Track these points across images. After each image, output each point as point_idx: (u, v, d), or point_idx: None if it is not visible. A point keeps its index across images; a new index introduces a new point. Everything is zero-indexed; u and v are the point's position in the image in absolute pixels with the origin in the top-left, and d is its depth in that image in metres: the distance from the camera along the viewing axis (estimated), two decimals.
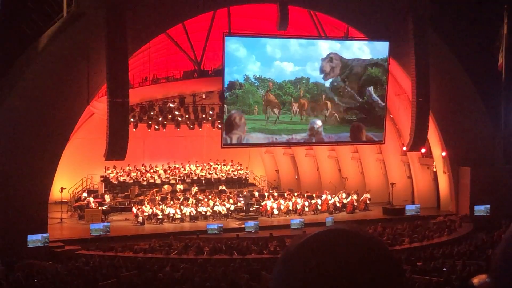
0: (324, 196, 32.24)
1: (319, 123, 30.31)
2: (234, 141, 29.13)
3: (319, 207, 31.64)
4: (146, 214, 28.65)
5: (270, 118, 29.25)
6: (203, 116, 32.79)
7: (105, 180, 33.62)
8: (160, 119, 32.28)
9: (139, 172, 34.63)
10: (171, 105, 31.93)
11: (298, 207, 31.08)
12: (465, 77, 31.59)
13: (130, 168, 34.36)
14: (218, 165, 37.00)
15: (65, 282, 17.14)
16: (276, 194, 33.07)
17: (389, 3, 29.97)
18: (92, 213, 28.37)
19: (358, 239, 1.40)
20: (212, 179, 35.81)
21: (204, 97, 32.32)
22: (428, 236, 25.98)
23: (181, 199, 30.52)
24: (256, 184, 38.46)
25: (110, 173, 33.77)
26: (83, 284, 16.92)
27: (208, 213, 29.55)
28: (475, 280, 1.48)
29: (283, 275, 1.39)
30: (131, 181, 33.84)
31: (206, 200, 30.40)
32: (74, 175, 32.66)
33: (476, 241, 24.34)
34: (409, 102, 30.90)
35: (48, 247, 23.85)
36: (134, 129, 30.67)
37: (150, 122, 32.40)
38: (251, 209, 30.57)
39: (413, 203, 33.05)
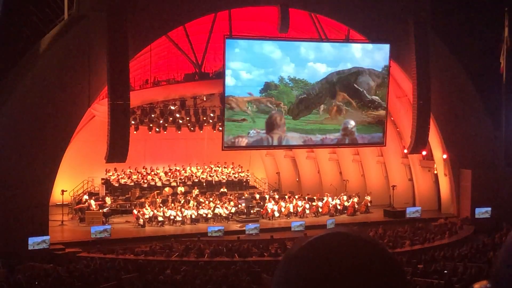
0: (325, 199, 32.23)
1: (352, 123, 30.58)
2: (275, 141, 29.77)
3: (320, 210, 31.63)
4: (147, 216, 28.66)
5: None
6: (204, 118, 32.79)
7: (106, 182, 33.63)
8: (161, 121, 32.28)
9: (140, 175, 34.63)
10: (172, 107, 31.94)
11: (299, 209, 31.08)
12: (466, 80, 31.61)
13: (131, 170, 34.36)
14: (219, 167, 37.00)
15: (66, 284, 17.14)
16: (277, 196, 33.08)
17: (390, 5, 30.01)
18: (93, 216, 28.37)
19: (359, 242, 1.39)
20: (213, 182, 35.81)
21: (205, 99, 32.33)
22: (429, 238, 25.97)
23: (182, 202, 30.52)
24: (257, 187, 38.45)
25: (111, 175, 33.77)
26: (84, 287, 16.93)
27: (209, 216, 29.54)
28: (476, 286, 1.47)
29: (284, 278, 1.39)
30: (132, 184, 33.84)
31: (207, 202, 30.40)
32: (75, 178, 32.67)
33: (477, 243, 24.33)
34: (410, 104, 30.91)
35: (49, 249, 23.85)
36: (135, 132, 30.68)
37: (151, 125, 32.40)
38: (252, 211, 30.58)
39: (414, 205, 33.03)
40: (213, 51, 30.09)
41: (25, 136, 24.54)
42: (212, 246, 23.68)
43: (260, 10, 29.71)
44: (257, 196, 32.72)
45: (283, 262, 1.42)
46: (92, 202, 29.55)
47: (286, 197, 32.85)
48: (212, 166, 36.94)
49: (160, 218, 28.66)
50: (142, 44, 26.83)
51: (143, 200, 30.98)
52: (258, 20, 31.26)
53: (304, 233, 26.84)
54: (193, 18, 27.65)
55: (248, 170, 38.25)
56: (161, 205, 29.89)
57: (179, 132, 33.27)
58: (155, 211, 28.87)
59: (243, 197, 31.57)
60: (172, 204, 30.02)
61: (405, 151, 32.71)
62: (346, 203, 32.20)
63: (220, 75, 29.04)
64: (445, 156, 31.81)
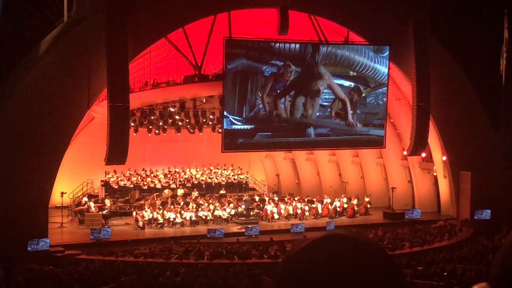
0: (324, 201, 32.22)
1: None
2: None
3: (320, 212, 31.61)
4: (147, 218, 28.64)
5: None
6: (204, 120, 32.76)
7: (106, 184, 33.61)
8: (161, 123, 32.26)
9: (139, 177, 34.62)
10: (172, 109, 31.92)
11: (299, 211, 31.06)
12: (465, 82, 31.62)
13: (131, 172, 34.35)
14: (218, 169, 36.98)
15: (66, 286, 17.14)
16: (276, 198, 33.06)
17: (390, 7, 30.03)
18: (93, 218, 28.34)
19: (358, 244, 1.40)
20: (213, 184, 35.79)
21: (204, 101, 32.30)
22: (429, 240, 25.96)
23: (182, 204, 30.51)
24: (257, 189, 38.43)
25: (110, 177, 33.76)
26: None
27: (209, 218, 29.52)
28: None
29: (284, 280, 1.39)
30: (132, 186, 33.82)
31: (206, 204, 30.38)
32: (74, 180, 32.64)
33: (477, 245, 24.33)
34: (410, 106, 30.92)
35: (48, 251, 23.83)
36: (134, 134, 30.66)
37: (150, 127, 32.38)
38: (251, 213, 30.55)
39: (413, 207, 33.03)
40: (212, 53, 30.08)
41: (25, 138, 24.53)
42: (211, 248, 23.67)
43: (260, 12, 29.70)
44: (257, 198, 32.71)
45: (282, 264, 1.43)
46: (92, 204, 29.54)
47: (286, 199, 32.84)
48: (212, 168, 36.93)
49: (159, 220, 28.64)
50: (141, 46, 26.83)
51: (142, 202, 30.95)
52: (258, 22, 31.26)
53: (304, 235, 26.81)
54: (193, 20, 27.66)
55: (247, 172, 38.23)
56: (160, 207, 29.88)
57: (179, 134, 33.25)
58: (155, 213, 28.85)
59: (243, 199, 31.57)
60: (172, 206, 30.01)
61: (405, 153, 32.71)
62: (345, 205, 32.19)
63: (219, 77, 29.03)
64: (444, 158, 31.82)
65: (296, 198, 32.74)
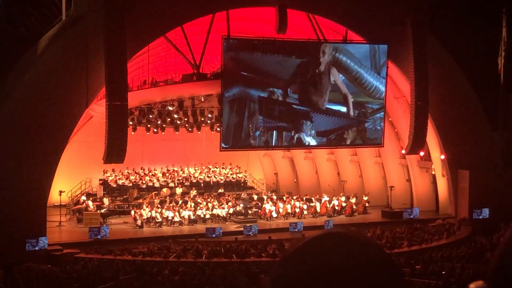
0: (323, 199, 32.23)
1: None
2: None
3: (318, 210, 31.63)
4: (145, 217, 28.63)
5: None
6: (202, 119, 32.72)
7: (104, 183, 33.57)
8: (159, 122, 32.22)
9: (138, 176, 34.59)
10: (170, 108, 31.89)
11: (297, 210, 31.07)
12: (464, 80, 31.63)
13: (129, 171, 34.32)
14: (217, 168, 36.97)
15: (64, 285, 17.13)
16: (275, 197, 33.05)
17: (388, 6, 30.02)
18: (91, 217, 28.32)
19: (356, 243, 1.40)
20: (211, 182, 35.78)
21: (203, 100, 32.27)
22: (427, 239, 25.99)
23: (180, 202, 30.49)
24: (255, 187, 38.42)
25: (108, 176, 33.72)
26: None
27: (207, 216, 29.52)
28: (472, 286, 1.48)
29: (281, 278, 1.40)
30: (130, 184, 33.78)
31: (205, 203, 30.37)
32: (73, 178, 32.61)
33: (475, 244, 24.35)
34: (408, 105, 30.92)
35: (46, 250, 23.82)
36: (133, 132, 30.63)
37: (149, 125, 32.36)
38: (250, 212, 30.57)
39: (411, 206, 33.05)
40: (211, 51, 30.06)
41: (23, 137, 24.50)
42: (210, 247, 23.68)
43: (258, 11, 29.68)
44: (255, 196, 32.71)
45: (280, 262, 1.43)
46: (90, 203, 29.53)
47: (284, 197, 32.85)
48: (210, 166, 36.91)
49: (158, 219, 28.63)
50: (140, 45, 26.79)
51: (141, 201, 30.95)
52: (256, 21, 31.24)
53: (302, 234, 26.83)
54: (191, 19, 27.63)
55: (246, 170, 38.24)
56: (159, 206, 29.87)
57: (177, 132, 33.21)
58: (153, 212, 28.84)
59: (241, 197, 31.58)
60: (170, 205, 29.99)
61: (403, 151, 32.73)
62: (344, 204, 32.21)
63: (218, 76, 29.01)
64: (443, 157, 31.83)
65: (294, 197, 32.74)
